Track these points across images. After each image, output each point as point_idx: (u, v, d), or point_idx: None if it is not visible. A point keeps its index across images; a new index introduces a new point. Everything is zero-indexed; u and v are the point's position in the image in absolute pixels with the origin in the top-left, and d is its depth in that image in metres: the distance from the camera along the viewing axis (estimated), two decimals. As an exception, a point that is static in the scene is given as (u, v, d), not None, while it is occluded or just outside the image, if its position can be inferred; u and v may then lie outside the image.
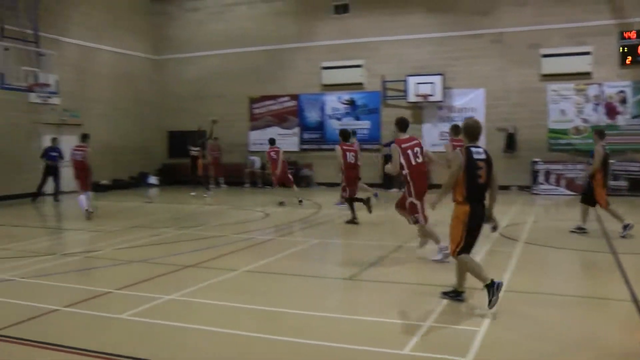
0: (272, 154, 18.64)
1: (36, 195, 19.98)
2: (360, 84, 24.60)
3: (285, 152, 19.36)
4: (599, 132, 12.73)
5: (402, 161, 9.44)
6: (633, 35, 20.57)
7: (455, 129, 13.09)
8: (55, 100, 20.93)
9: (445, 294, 7.36)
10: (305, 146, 25.52)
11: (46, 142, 21.83)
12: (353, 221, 14.12)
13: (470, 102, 22.94)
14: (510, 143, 22.37)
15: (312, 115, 25.44)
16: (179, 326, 6.55)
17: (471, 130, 7.12)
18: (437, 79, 22.87)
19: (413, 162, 9.48)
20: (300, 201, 17.99)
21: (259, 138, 25.78)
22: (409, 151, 9.50)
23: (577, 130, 21.58)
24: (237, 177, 25.38)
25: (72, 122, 23.39)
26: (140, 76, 27.61)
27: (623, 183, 20.10)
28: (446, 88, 22.97)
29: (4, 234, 13.80)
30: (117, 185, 24.93)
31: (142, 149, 27.17)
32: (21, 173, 20.26)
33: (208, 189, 20.79)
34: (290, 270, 9.55)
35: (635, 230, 11.92)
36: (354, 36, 24.49)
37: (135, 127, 26.97)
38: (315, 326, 6.65)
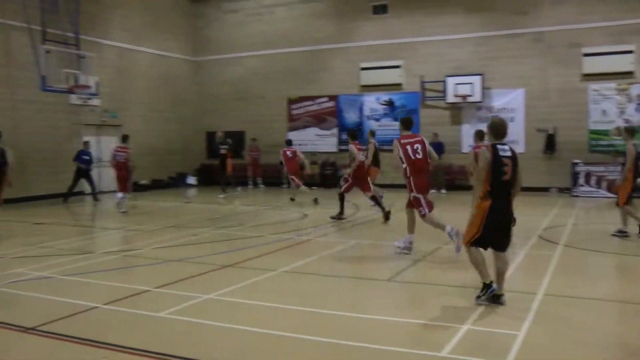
0: (289, 153, 19.12)
1: (67, 195, 20.29)
2: (399, 84, 24.52)
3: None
4: (630, 130, 12.45)
5: (401, 155, 10.08)
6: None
7: (479, 134, 12.95)
8: (95, 101, 21.30)
9: (479, 298, 7.32)
10: (343, 147, 25.46)
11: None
12: (339, 217, 14.66)
13: (509, 102, 22.70)
14: (550, 144, 22.07)
15: (351, 116, 25.42)
16: (217, 325, 6.62)
17: (497, 128, 7.25)
18: (476, 79, 22.72)
19: (412, 157, 10.09)
20: (293, 199, 18.63)
21: (297, 139, 25.82)
22: (408, 147, 10.12)
23: (619, 131, 21.14)
24: (276, 177, 25.44)
25: (111, 123, 23.80)
26: (179, 77, 27.93)
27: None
28: (485, 88, 22.79)
29: (45, 232, 14.07)
30: (156, 185, 25.28)
31: (180, 150, 27.48)
32: (61, 173, 20.62)
33: (236, 186, 20.83)
34: (328, 271, 9.56)
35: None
36: (393, 36, 24.43)
37: (174, 128, 27.31)
38: (353, 327, 6.65)
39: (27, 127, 19.87)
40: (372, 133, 17.54)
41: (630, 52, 20.90)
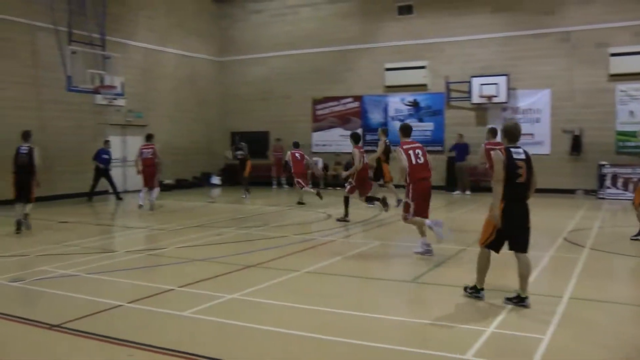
0: (297, 155, 19.25)
1: (90, 195, 20.52)
2: (424, 85, 24.42)
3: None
4: None
5: (404, 160, 10.37)
6: None
7: (492, 132, 12.90)
8: (120, 101, 21.47)
9: (509, 300, 7.29)
10: (368, 147, 25.38)
11: (111, 142, 22.39)
12: (344, 219, 14.79)
13: (535, 103, 22.50)
14: (576, 145, 21.81)
15: (375, 117, 25.36)
16: (240, 325, 6.62)
17: (511, 132, 7.35)
18: (501, 80, 22.55)
19: (414, 162, 10.37)
20: (302, 203, 18.73)
21: (321, 139, 25.89)
22: (410, 152, 10.44)
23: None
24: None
25: (136, 123, 23.98)
26: (204, 77, 28.09)
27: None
28: (511, 89, 22.61)
29: (70, 230, 14.20)
30: (181, 185, 25.45)
31: (205, 150, 27.61)
32: (85, 172, 20.78)
33: (248, 191, 20.87)
34: (352, 271, 9.54)
35: None
36: (418, 37, 24.34)
37: (199, 128, 27.46)
38: (375, 328, 6.63)
39: (53, 127, 20.11)
40: (384, 132, 17.62)
41: (659, 51, 20.59)
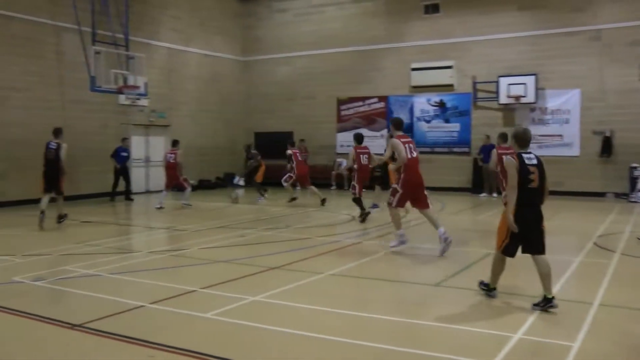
0: (298, 154, 19.52)
1: (113, 195, 20.65)
2: (450, 85, 24.13)
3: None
4: None
5: (402, 153, 10.87)
6: None
7: (503, 137, 13.19)
8: (143, 102, 21.52)
9: (537, 305, 7.16)
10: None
11: (134, 142, 22.42)
12: (364, 214, 15.23)
13: (564, 103, 22.12)
14: (607, 147, 21.36)
15: (401, 117, 25.03)
16: (263, 328, 6.54)
17: (521, 138, 7.49)
18: (529, 80, 22.20)
19: (409, 156, 10.94)
20: (295, 198, 19.51)
21: (346, 140, 25.69)
22: (406, 145, 11.02)
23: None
24: (324, 179, 25.33)
25: (159, 123, 24.06)
26: (228, 77, 28.10)
27: None
28: (539, 89, 22.26)
29: (92, 230, 14.28)
30: (204, 186, 25.45)
31: (228, 150, 27.59)
32: (108, 172, 20.84)
33: (262, 194, 20.75)
34: (376, 274, 9.43)
35: None
36: (445, 36, 24.08)
37: (222, 128, 27.47)
38: (399, 332, 6.56)
39: (76, 126, 20.17)
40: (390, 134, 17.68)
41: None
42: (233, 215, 17.17)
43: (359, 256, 10.75)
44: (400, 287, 8.78)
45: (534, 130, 22.04)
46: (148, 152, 23.81)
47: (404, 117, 24.76)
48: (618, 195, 20.99)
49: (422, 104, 24.80)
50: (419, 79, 24.52)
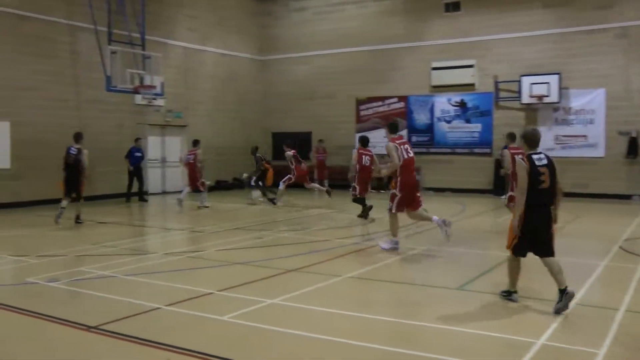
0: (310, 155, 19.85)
1: (128, 195, 20.67)
2: (471, 84, 23.81)
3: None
4: None
5: (398, 155, 11.00)
6: None
7: (511, 136, 13.36)
8: (160, 101, 21.40)
9: (557, 305, 7.06)
10: (413, 149, 24.91)
11: (150, 143, 22.29)
12: (367, 211, 15.61)
13: (588, 103, 21.71)
14: (633, 148, 20.92)
15: (421, 118, 24.88)
16: (280, 331, 6.45)
17: (530, 138, 7.52)
18: (553, 79, 21.81)
19: (405, 156, 11.11)
20: (329, 191, 19.94)
21: (365, 140, 25.42)
22: (401, 147, 11.15)
23: None
24: (342, 179, 25.06)
25: (176, 123, 24.00)
26: (245, 77, 27.97)
27: None
28: (563, 88, 21.86)
29: (108, 231, 14.27)
30: (221, 187, 25.34)
31: (245, 150, 27.33)
32: (124, 172, 20.79)
33: (271, 200, 20.49)
34: (395, 277, 9.33)
35: None
36: (466, 35, 23.76)
37: (239, 128, 27.32)
38: (420, 337, 6.48)
39: (92, 126, 20.15)
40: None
41: None
42: (250, 216, 17.08)
43: (378, 259, 10.62)
44: (420, 291, 8.58)
45: (558, 130, 21.85)
46: (164, 152, 23.74)
47: (425, 118, 24.69)
48: (644, 198, 20.60)
49: (443, 103, 24.50)
50: (440, 78, 24.24)
